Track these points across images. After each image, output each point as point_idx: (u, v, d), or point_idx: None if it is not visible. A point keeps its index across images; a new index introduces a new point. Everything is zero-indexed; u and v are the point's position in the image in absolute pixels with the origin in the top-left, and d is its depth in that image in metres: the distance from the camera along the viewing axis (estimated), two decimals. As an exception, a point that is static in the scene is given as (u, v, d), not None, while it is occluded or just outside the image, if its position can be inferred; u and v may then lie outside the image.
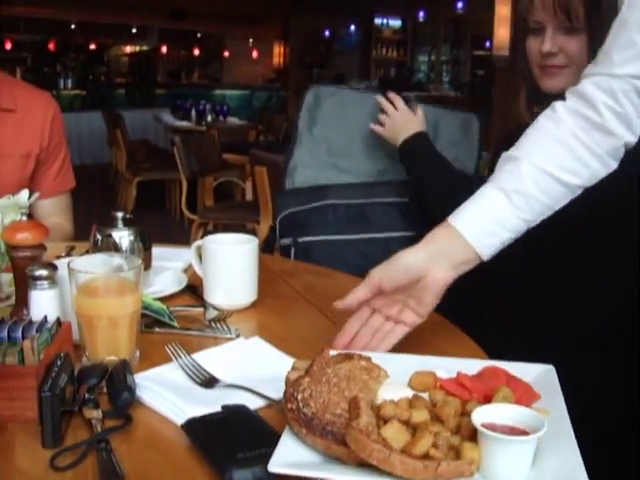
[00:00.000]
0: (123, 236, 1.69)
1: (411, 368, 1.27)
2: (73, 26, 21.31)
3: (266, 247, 2.24)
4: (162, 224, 8.41)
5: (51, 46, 21.02)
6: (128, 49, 24.07)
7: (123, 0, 17.80)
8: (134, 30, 22.61)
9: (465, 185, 1.93)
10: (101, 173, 12.07)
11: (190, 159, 5.49)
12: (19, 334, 1.25)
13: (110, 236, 1.68)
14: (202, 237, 5.03)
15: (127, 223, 1.72)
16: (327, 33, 17.30)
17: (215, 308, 1.65)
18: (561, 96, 1.66)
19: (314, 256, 2.07)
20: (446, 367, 1.28)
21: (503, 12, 8.94)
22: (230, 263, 1.70)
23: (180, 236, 7.35)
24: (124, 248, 1.68)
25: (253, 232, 5.28)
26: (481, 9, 9.86)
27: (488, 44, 12.81)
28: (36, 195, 1.96)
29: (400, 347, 1.46)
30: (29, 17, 18.15)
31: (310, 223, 2.14)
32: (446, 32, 16.42)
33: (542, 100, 2.09)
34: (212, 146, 6.01)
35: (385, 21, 17.93)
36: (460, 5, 14.05)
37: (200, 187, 6.25)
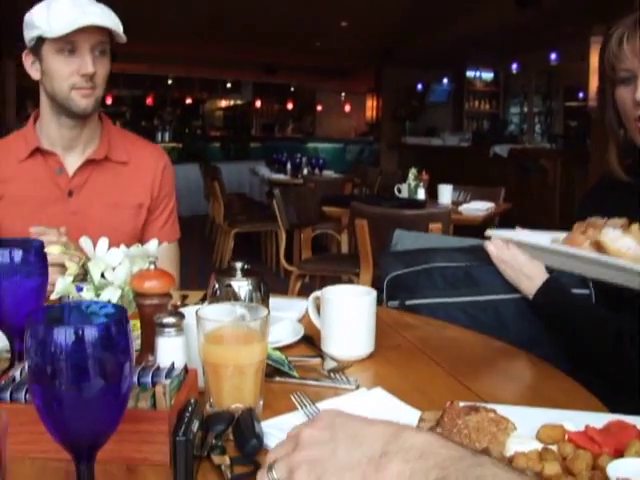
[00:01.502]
0: (242, 286, 1.72)
1: (537, 421, 1.25)
2: (170, 81, 21.88)
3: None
4: (259, 275, 8.46)
5: (149, 100, 21.59)
6: (223, 103, 24.53)
7: (218, 55, 18.17)
8: (229, 85, 23.10)
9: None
10: (198, 225, 12.23)
11: (288, 211, 5.55)
12: (149, 379, 1.27)
13: (230, 286, 1.71)
14: (300, 288, 5.06)
15: (245, 273, 1.74)
16: (419, 86, 17.36)
17: (333, 359, 1.66)
18: None
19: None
20: (573, 420, 1.26)
21: (598, 62, 8.85)
22: (350, 314, 1.71)
23: (277, 287, 7.40)
24: (243, 297, 1.70)
25: (349, 284, 5.28)
26: (574, 60, 9.79)
27: (581, 95, 12.72)
28: (164, 244, 2.00)
29: (520, 400, 1.45)
30: (128, 73, 18.65)
31: (417, 285, 2.13)
32: (538, 84, 16.34)
33: (633, 154, 2.03)
34: (310, 198, 6.07)
35: (477, 74, 17.93)
36: (554, 57, 13.97)
37: (297, 239, 6.31)
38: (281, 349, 1.65)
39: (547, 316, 2.02)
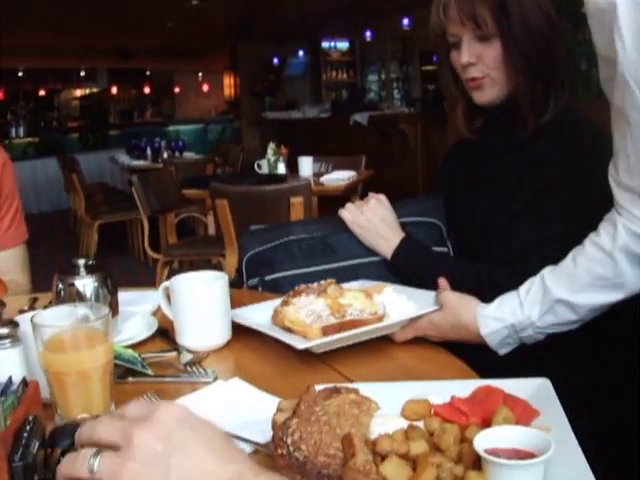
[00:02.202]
0: (87, 284, 1.62)
1: (402, 396, 1.21)
2: (21, 73, 21.25)
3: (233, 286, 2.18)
4: (126, 266, 8.32)
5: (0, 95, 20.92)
6: (78, 92, 23.97)
7: (69, 44, 17.74)
8: (83, 73, 22.59)
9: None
10: (61, 220, 11.95)
11: (149, 198, 5.41)
12: (-18, 399, 1.17)
13: (73, 285, 1.61)
14: (168, 276, 4.97)
15: (90, 270, 1.64)
16: (276, 60, 17.32)
17: (189, 351, 1.58)
18: (496, 108, 1.88)
19: (283, 292, 2.01)
20: (438, 392, 1.23)
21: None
22: (200, 303, 1.63)
23: (146, 277, 7.27)
24: (89, 296, 1.61)
25: (219, 266, 5.21)
26: (427, 25, 9.89)
27: (436, 58, 12.87)
28: (9, 250, 1.88)
29: (387, 376, 1.40)
30: (-26, 68, 18.07)
31: (276, 260, 2.09)
32: (393, 50, 16.49)
33: (480, 114, 2.10)
34: (170, 183, 5.93)
35: (333, 44, 17.99)
36: (406, 22, 14.12)
37: (162, 225, 6.18)
38: (133, 347, 1.56)
39: (407, 274, 2.01)
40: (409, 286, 1.90)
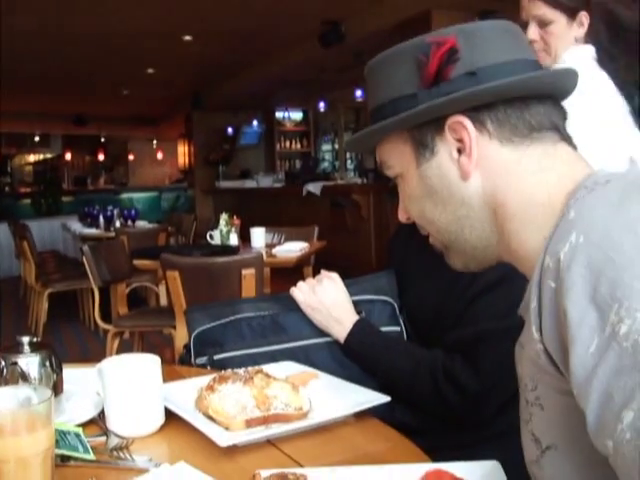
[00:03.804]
0: (31, 362, 1.58)
1: (350, 482, 1.19)
2: (-26, 136, 21.20)
3: (183, 363, 2.14)
4: (77, 336, 8.22)
5: (-51, 159, 20.78)
6: (32, 158, 23.95)
7: (24, 108, 17.73)
8: (37, 138, 22.57)
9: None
10: (11, 287, 11.79)
11: (100, 267, 5.36)
12: None
13: (16, 364, 1.57)
14: (119, 347, 4.88)
15: (34, 347, 1.61)
16: (230, 130, 17.43)
17: (117, 436, 1.53)
18: None
19: None
20: (388, 477, 1.21)
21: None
22: (128, 389, 1.57)
23: (96, 347, 7.17)
24: (33, 376, 1.57)
25: (170, 337, 5.16)
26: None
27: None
28: None
29: (337, 458, 1.39)
30: None
31: (224, 339, 2.05)
32: (347, 120, 16.66)
33: None
34: (122, 253, 5.88)
35: (286, 114, 18.15)
36: (359, 93, 14.30)
37: (113, 295, 6.11)
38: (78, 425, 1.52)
39: (359, 359, 1.99)
40: (361, 369, 1.89)
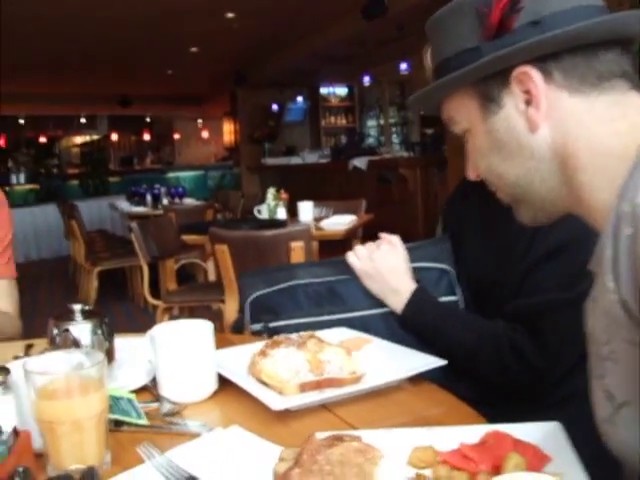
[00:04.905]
0: (83, 329, 1.58)
1: (408, 444, 1.17)
2: (22, 121, 21.39)
3: (236, 329, 2.10)
4: (127, 312, 8.28)
5: (1, 142, 21.01)
6: (79, 139, 24.12)
7: (70, 91, 17.85)
8: (83, 120, 22.72)
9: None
10: (61, 266, 11.93)
11: (149, 244, 5.38)
12: (-29, 449, 1.12)
13: (68, 330, 1.56)
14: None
15: (86, 315, 1.60)
16: (275, 107, 17.38)
17: (170, 402, 1.52)
18: None
19: None
20: (445, 438, 1.18)
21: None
22: (180, 355, 1.56)
23: (146, 323, 7.13)
24: (84, 342, 1.56)
25: (219, 312, 5.16)
26: (424, 69, 9.94)
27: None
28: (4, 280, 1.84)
29: (392, 422, 1.36)
30: (-25, 114, 18.17)
31: (280, 306, 2.00)
32: (392, 95, 16.55)
33: None
34: (170, 229, 5.90)
35: (331, 89, 18.08)
36: (404, 67, 14.18)
37: (162, 271, 6.14)
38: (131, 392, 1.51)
39: (417, 331, 1.93)
40: (420, 341, 1.84)
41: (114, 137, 23.71)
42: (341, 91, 18.30)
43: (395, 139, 16.59)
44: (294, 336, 1.63)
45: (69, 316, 1.60)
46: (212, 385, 1.58)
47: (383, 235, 2.06)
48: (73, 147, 24.24)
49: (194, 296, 5.50)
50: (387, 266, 1.96)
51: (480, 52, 1.11)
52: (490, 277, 1.92)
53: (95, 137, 23.84)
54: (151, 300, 5.41)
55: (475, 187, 2.04)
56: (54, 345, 1.57)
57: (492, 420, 1.35)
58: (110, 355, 1.62)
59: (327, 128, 18.11)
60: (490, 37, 1.11)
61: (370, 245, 2.04)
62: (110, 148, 23.36)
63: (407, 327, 1.95)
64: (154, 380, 1.61)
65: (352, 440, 1.13)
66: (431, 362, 1.60)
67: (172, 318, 5.42)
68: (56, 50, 12.49)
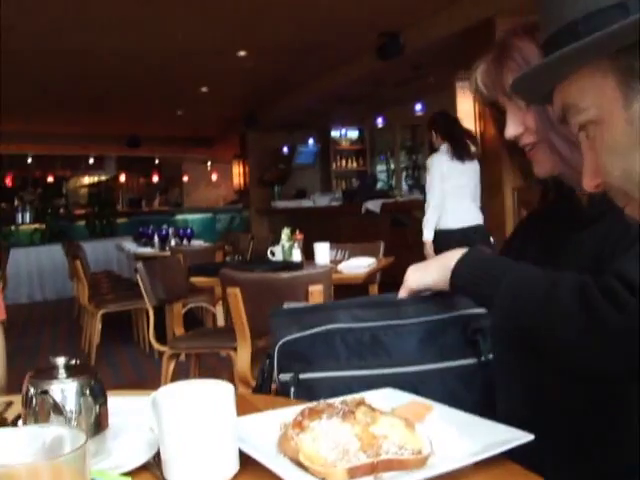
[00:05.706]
0: (66, 390, 1.23)
1: None
2: (30, 160, 21.39)
3: (262, 386, 1.74)
4: (131, 358, 8.01)
5: (8, 181, 21.00)
6: (87, 180, 24.19)
7: (79, 131, 17.78)
8: (91, 160, 22.73)
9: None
10: (66, 308, 11.73)
11: (155, 286, 5.08)
12: None
13: (47, 392, 1.22)
14: (175, 370, 4.57)
15: (71, 372, 1.26)
16: (285, 149, 17.22)
17: None
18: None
19: (318, 397, 1.51)
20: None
21: (465, 108, 8.74)
22: (190, 427, 1.18)
23: (151, 370, 6.88)
24: (68, 408, 1.22)
25: (228, 360, 4.85)
26: (441, 108, 9.76)
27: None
28: None
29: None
30: (-17, 154, 18.14)
31: (314, 355, 1.65)
32: (403, 138, 16.39)
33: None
34: (178, 270, 5.61)
35: (343, 132, 17.92)
36: (419, 107, 13.96)
37: (168, 315, 5.83)
38: (126, 474, 1.16)
39: (476, 297, 1.54)
40: (487, 404, 1.49)
41: (122, 178, 23.69)
42: (352, 134, 18.14)
43: (404, 183, 16.41)
44: (337, 402, 1.27)
45: (50, 373, 1.26)
46: (233, 467, 1.21)
47: None
48: (81, 187, 24.26)
49: (203, 342, 5.20)
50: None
51: (626, 10, 0.78)
52: None
53: (103, 178, 23.81)
54: (157, 346, 5.09)
55: (543, 218, 1.73)
56: (29, 409, 1.23)
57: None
58: (101, 422, 1.28)
59: (338, 171, 17.98)
60: None
61: None
62: (118, 189, 23.39)
63: (462, 283, 1.55)
64: (158, 456, 1.24)
65: None
66: (515, 438, 1.23)
67: (179, 365, 5.10)
68: (64, 90, 12.37)
